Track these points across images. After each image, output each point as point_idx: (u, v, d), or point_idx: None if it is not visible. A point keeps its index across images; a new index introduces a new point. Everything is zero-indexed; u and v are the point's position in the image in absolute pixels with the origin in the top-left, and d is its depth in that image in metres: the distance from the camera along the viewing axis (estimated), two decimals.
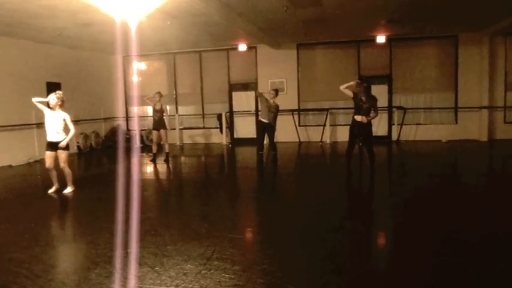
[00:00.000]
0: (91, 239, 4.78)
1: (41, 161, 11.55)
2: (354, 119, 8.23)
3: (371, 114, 8.08)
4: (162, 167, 10.40)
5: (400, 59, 13.88)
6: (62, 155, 7.16)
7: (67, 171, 7.30)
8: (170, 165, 10.64)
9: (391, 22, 11.05)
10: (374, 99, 8.12)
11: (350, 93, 8.18)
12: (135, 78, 15.87)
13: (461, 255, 4.05)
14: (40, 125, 11.90)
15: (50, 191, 7.38)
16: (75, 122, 13.24)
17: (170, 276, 3.67)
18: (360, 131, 8.13)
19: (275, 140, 9.96)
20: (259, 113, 10.17)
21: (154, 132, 10.71)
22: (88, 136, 13.98)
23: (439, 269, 3.73)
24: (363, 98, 8.00)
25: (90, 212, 6.31)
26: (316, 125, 14.31)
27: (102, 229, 5.19)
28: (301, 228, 5.16)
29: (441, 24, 11.75)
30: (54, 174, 7.40)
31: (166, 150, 10.86)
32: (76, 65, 13.66)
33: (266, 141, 9.89)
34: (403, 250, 4.29)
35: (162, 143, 10.98)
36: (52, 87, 12.53)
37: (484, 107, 13.22)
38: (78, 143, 13.56)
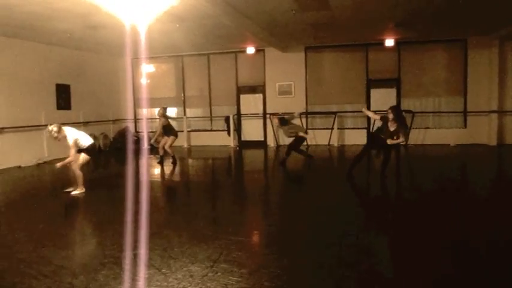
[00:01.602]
0: (99, 240, 4.81)
1: (50, 162, 11.65)
2: (378, 130, 8.15)
3: (396, 138, 7.76)
4: (169, 169, 10.43)
5: (408, 62, 13.83)
6: (80, 156, 7.24)
7: (78, 173, 7.32)
8: (177, 167, 10.67)
9: (399, 26, 11.02)
10: (403, 126, 7.89)
11: (376, 117, 8.11)
12: (143, 81, 15.95)
13: (468, 261, 4.02)
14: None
15: (69, 190, 7.44)
16: (85, 123, 13.48)
17: (177, 279, 3.68)
18: (379, 143, 8.08)
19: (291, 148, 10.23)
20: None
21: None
22: (96, 138, 14.06)
23: (444, 276, 3.71)
24: (390, 123, 7.78)
25: (99, 213, 6.34)
26: (324, 128, 14.26)
27: (110, 230, 5.21)
28: (309, 231, 5.15)
29: (450, 28, 11.70)
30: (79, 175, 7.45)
31: (171, 154, 10.92)
32: (85, 67, 13.77)
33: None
34: (411, 256, 4.27)
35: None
36: (61, 89, 12.69)
37: (494, 111, 13.11)
38: None
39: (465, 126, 13.61)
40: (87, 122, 13.72)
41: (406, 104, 13.83)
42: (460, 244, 4.52)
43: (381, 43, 13.18)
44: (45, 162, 11.61)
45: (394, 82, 13.88)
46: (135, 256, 4.26)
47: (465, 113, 13.55)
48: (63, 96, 12.81)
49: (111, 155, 13.92)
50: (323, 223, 5.45)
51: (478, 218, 5.55)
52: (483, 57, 13.20)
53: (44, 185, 9.25)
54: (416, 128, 13.64)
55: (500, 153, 12.07)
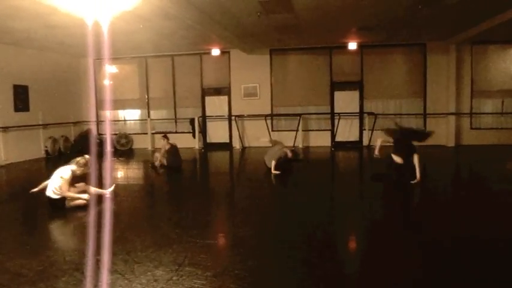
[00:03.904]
0: (59, 246, 4.67)
1: (7, 166, 11.24)
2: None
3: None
4: (133, 172, 10.25)
5: (371, 65, 14.15)
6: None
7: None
8: (140, 170, 10.51)
9: (363, 29, 11.27)
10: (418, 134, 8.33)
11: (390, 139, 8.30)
12: (106, 82, 15.61)
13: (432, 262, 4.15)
14: (6, 129, 11.59)
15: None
16: (44, 126, 13.05)
17: (141, 283, 3.62)
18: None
19: None
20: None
21: None
22: (57, 140, 13.67)
23: (412, 278, 3.81)
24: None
25: (59, 218, 6.15)
26: (289, 130, 14.38)
27: (71, 235, 5.07)
28: (274, 233, 5.17)
29: (410, 32, 12.05)
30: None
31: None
32: (44, 67, 13.34)
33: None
34: (377, 256, 4.36)
35: None
36: (19, 90, 12.26)
37: (451, 113, 13.61)
38: (46, 147, 13.24)
39: (425, 127, 14.04)
40: (47, 124, 13.31)
41: (368, 106, 14.16)
42: (429, 244, 4.66)
43: (345, 46, 13.44)
44: (2, 166, 11.17)
45: (357, 85, 14.18)
46: (97, 261, 4.15)
47: (425, 115, 13.99)
48: (21, 98, 12.37)
49: (72, 158, 13.49)
50: (288, 224, 5.48)
51: (444, 216, 5.74)
52: (441, 61, 13.68)
53: (0, 190, 8.89)
54: (378, 130, 13.94)
55: (458, 153, 12.51)
